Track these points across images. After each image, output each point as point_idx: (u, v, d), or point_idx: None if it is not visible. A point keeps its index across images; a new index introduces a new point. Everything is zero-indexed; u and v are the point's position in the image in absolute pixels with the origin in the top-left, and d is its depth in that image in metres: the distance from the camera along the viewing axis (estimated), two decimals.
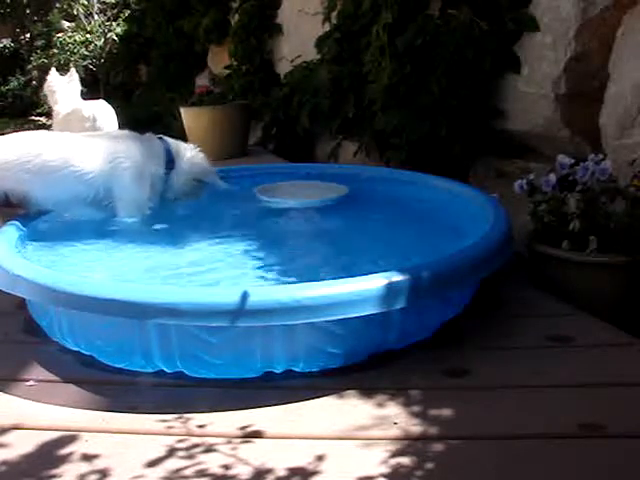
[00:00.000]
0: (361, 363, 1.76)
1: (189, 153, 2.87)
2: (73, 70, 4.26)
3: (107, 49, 8.26)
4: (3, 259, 2.02)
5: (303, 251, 2.50)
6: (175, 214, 2.82)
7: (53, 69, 4.22)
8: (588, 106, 2.68)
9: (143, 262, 2.36)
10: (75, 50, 8.39)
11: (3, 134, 2.77)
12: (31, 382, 1.75)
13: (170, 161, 2.76)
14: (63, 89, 4.02)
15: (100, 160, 2.58)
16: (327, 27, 4.39)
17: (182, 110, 5.33)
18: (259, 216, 2.92)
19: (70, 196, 2.58)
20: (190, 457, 1.40)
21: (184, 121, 5.32)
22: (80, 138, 2.75)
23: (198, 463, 1.38)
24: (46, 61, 8.74)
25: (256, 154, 5.11)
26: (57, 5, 9.33)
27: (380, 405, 1.58)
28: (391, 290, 1.66)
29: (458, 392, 1.64)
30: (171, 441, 1.46)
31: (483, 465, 1.35)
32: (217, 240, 2.52)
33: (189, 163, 2.83)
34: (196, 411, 1.57)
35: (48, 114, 6.58)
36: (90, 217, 2.63)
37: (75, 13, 8.81)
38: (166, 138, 2.86)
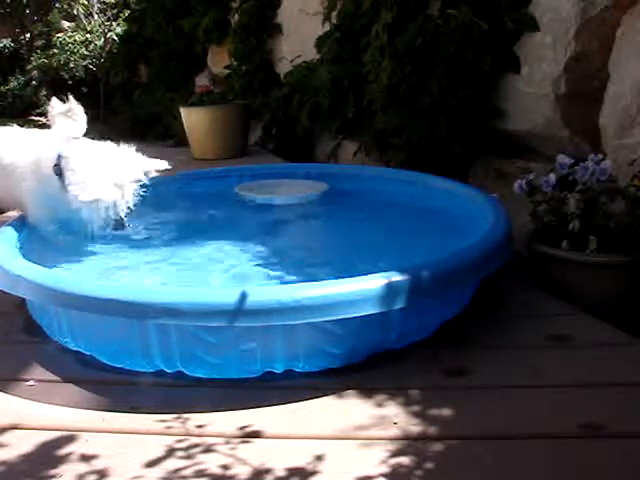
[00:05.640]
0: (361, 363, 1.76)
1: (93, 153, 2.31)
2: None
3: (107, 49, 8.26)
4: (3, 259, 2.02)
5: (297, 249, 2.50)
6: (160, 216, 2.73)
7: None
8: (588, 106, 2.68)
9: (140, 263, 2.36)
10: (75, 50, 8.41)
11: None
12: (31, 382, 1.75)
13: (57, 165, 2.31)
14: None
15: (11, 161, 2.41)
16: (327, 27, 4.40)
17: (182, 110, 5.33)
18: (246, 214, 2.93)
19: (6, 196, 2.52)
20: (189, 457, 1.40)
21: (184, 121, 5.33)
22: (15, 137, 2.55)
23: (197, 463, 1.38)
24: (46, 61, 8.75)
25: (256, 154, 5.12)
26: (57, 5, 9.35)
27: (380, 405, 1.58)
28: (391, 290, 1.66)
29: (458, 392, 1.64)
30: (170, 441, 1.46)
31: (483, 465, 1.35)
32: (210, 240, 2.52)
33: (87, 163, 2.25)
34: (196, 411, 1.57)
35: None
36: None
37: (75, 13, 8.83)
38: (73, 141, 2.37)
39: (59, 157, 2.32)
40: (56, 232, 2.43)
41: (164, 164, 2.42)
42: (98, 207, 2.23)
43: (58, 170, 2.30)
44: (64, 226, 2.42)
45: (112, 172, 2.26)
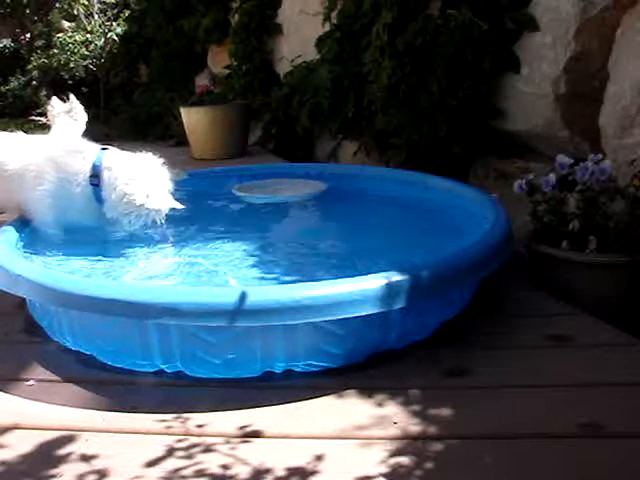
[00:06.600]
0: (361, 363, 1.76)
1: (130, 170, 2.37)
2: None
3: (107, 49, 8.26)
4: (3, 259, 2.02)
5: (297, 249, 2.50)
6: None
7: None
8: (588, 106, 2.68)
9: (138, 263, 2.36)
10: (75, 50, 8.40)
11: None
12: (31, 382, 1.75)
13: (94, 176, 2.36)
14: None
15: (20, 165, 2.43)
16: (327, 27, 4.40)
17: (182, 110, 5.33)
18: (244, 214, 2.93)
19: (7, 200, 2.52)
20: (189, 457, 1.40)
21: (184, 121, 5.33)
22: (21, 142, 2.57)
23: (197, 463, 1.38)
24: (46, 61, 8.75)
25: (256, 154, 5.12)
26: (57, 5, 9.34)
27: (379, 405, 1.58)
28: (391, 290, 1.66)
29: (458, 392, 1.64)
30: (170, 441, 1.46)
31: (482, 465, 1.35)
32: (209, 240, 2.52)
33: (125, 181, 2.33)
34: (196, 411, 1.57)
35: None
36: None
37: (75, 13, 8.82)
38: (106, 151, 2.43)
39: (96, 168, 2.35)
40: (59, 234, 2.46)
41: (184, 173, 2.60)
42: (149, 214, 2.34)
43: (96, 181, 2.35)
44: (68, 229, 2.46)
45: (161, 180, 2.40)
